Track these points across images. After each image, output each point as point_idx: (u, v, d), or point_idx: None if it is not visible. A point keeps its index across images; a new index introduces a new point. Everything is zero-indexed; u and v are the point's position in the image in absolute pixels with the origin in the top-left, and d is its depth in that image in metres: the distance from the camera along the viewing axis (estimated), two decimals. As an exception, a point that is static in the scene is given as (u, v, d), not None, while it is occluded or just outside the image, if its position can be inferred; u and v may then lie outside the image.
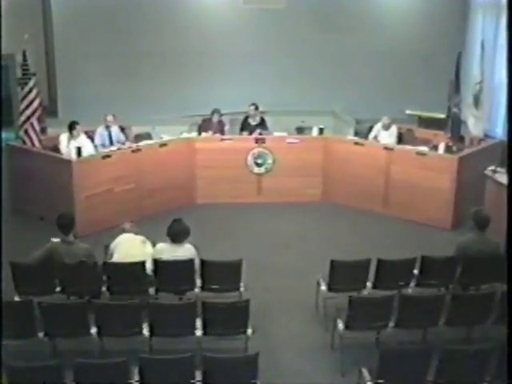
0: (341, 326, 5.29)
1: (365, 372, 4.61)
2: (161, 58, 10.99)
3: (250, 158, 9.26)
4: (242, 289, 5.89)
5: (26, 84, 8.43)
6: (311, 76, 11.38)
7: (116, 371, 4.36)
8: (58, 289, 5.73)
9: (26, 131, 8.41)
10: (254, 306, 5.24)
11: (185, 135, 9.39)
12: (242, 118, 9.87)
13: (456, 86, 9.17)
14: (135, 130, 9.63)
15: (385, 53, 11.40)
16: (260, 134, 9.47)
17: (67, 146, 8.38)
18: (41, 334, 5.14)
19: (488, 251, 5.84)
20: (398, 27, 11.51)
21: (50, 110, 10.76)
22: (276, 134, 9.58)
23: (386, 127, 9.32)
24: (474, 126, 9.13)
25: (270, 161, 9.28)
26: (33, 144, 8.45)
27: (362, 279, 5.94)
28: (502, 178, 7.54)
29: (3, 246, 6.03)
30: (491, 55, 9.86)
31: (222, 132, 9.59)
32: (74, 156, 8.03)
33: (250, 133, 9.56)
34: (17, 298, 5.59)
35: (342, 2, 11.23)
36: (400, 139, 9.38)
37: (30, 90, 8.41)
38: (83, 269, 5.71)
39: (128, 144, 8.98)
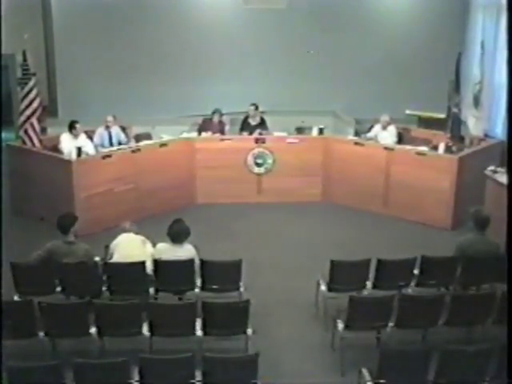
0: (341, 326, 5.29)
1: (365, 372, 4.61)
2: (161, 58, 10.98)
3: (250, 158, 9.26)
4: (241, 289, 5.89)
5: (26, 84, 8.42)
6: (311, 76, 11.37)
7: (116, 371, 4.36)
8: (58, 289, 5.73)
9: (25, 131, 8.40)
10: (254, 306, 5.24)
11: (185, 135, 9.39)
12: (242, 118, 9.87)
13: (456, 86, 9.16)
14: (135, 129, 9.64)
15: (385, 53, 11.40)
16: (260, 133, 9.48)
17: (68, 145, 8.37)
18: (41, 334, 5.14)
19: (488, 251, 5.84)
20: (397, 27, 11.51)
21: (50, 109, 10.76)
22: (276, 133, 9.59)
23: (384, 126, 9.31)
24: (474, 126, 9.13)
25: (270, 161, 9.28)
26: (33, 144, 8.44)
27: (362, 279, 5.94)
28: (502, 178, 7.54)
29: (3, 246, 6.03)
30: (491, 55, 9.85)
31: (222, 132, 9.59)
32: (74, 156, 8.03)
33: (250, 133, 9.57)
34: (17, 298, 5.60)
35: (342, 2, 11.21)
36: (400, 139, 9.38)
37: (30, 90, 8.40)
38: (83, 269, 5.72)
39: (130, 144, 8.98)
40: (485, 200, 7.84)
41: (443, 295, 5.53)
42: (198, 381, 4.41)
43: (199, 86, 10.90)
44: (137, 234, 6.15)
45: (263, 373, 4.57)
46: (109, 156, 8.34)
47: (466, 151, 8.60)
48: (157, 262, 5.79)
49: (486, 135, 9.38)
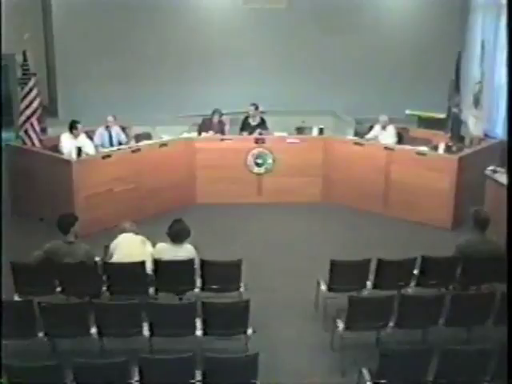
0: (341, 326, 5.29)
1: (365, 372, 4.61)
2: (161, 58, 10.99)
3: (250, 158, 9.26)
4: (242, 289, 5.89)
5: (25, 84, 8.43)
6: (311, 76, 11.38)
7: (116, 371, 4.36)
8: (58, 289, 5.73)
9: (26, 131, 8.41)
10: (254, 306, 5.23)
11: (185, 135, 9.39)
12: (242, 118, 9.86)
13: (456, 86, 9.18)
14: (135, 129, 9.63)
15: (385, 53, 11.41)
16: (260, 134, 9.48)
17: (68, 145, 8.37)
18: (41, 334, 5.14)
19: (488, 251, 5.84)
20: (397, 27, 11.52)
21: (50, 109, 10.76)
22: (276, 133, 9.59)
23: (383, 126, 9.31)
24: (474, 126, 9.12)
25: (270, 161, 9.28)
26: (33, 144, 8.44)
27: (362, 279, 5.94)
28: (502, 178, 7.54)
29: (3, 246, 6.03)
30: (491, 55, 9.86)
31: (222, 132, 9.59)
32: (74, 156, 8.03)
33: (250, 133, 9.56)
34: (17, 298, 5.60)
35: (342, 2, 11.22)
36: (400, 139, 9.38)
37: (30, 90, 8.41)
38: (83, 269, 5.72)
39: (130, 144, 8.98)
40: (485, 200, 7.84)
41: (443, 295, 5.52)
42: (198, 381, 4.41)
43: (199, 86, 10.92)
44: (137, 234, 6.15)
45: (263, 373, 4.57)
46: (109, 156, 8.34)
47: (466, 151, 8.60)
48: (157, 262, 5.78)
49: (486, 135, 9.37)
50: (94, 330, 5.14)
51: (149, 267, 5.79)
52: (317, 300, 6.18)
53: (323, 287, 5.96)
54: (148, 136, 9.54)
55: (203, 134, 9.47)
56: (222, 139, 9.36)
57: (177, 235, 5.85)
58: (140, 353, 4.56)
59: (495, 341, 4.62)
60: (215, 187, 9.13)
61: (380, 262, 5.88)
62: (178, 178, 8.98)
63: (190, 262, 5.81)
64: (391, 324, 5.33)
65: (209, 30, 11.15)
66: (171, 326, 5.16)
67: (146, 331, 5.17)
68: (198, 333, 5.15)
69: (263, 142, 9.29)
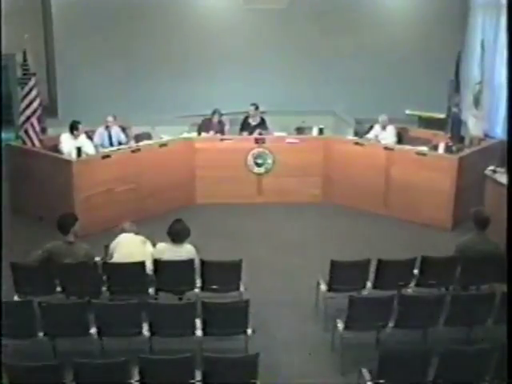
0: (341, 326, 5.29)
1: (365, 372, 4.61)
2: (161, 58, 10.98)
3: (250, 158, 9.26)
4: (242, 289, 5.89)
5: (25, 84, 8.42)
6: (311, 76, 11.37)
7: (116, 371, 4.36)
8: (58, 289, 5.73)
9: (26, 131, 8.40)
10: (254, 306, 5.24)
11: (185, 135, 9.39)
12: (242, 118, 9.87)
13: (456, 86, 9.17)
14: (135, 130, 9.63)
15: (385, 53, 11.40)
16: (260, 134, 9.48)
17: (68, 145, 8.36)
18: (41, 334, 5.14)
19: (488, 251, 5.84)
20: (397, 27, 11.51)
21: (50, 109, 10.75)
22: (276, 133, 9.59)
23: (383, 126, 9.31)
24: (474, 126, 9.12)
25: (269, 161, 9.28)
26: (33, 144, 8.44)
27: (362, 279, 5.94)
28: (502, 178, 7.55)
29: (3, 246, 6.03)
30: (491, 55, 9.85)
31: (222, 132, 9.59)
32: (74, 156, 8.03)
33: (250, 133, 9.56)
34: (17, 298, 5.60)
35: (343, 3, 11.22)
36: (400, 139, 9.38)
37: (30, 90, 8.40)
38: (83, 269, 5.72)
39: (130, 144, 8.98)
40: (485, 200, 7.85)
41: (443, 295, 5.53)
42: (198, 381, 4.42)
43: (199, 86, 10.91)
44: (137, 234, 6.15)
45: (263, 373, 4.57)
46: (109, 156, 8.34)
47: (466, 151, 8.60)
48: (157, 262, 5.79)
49: (486, 135, 9.37)
50: (93, 330, 5.15)
51: (149, 267, 5.80)
52: (317, 300, 6.18)
53: (323, 287, 5.96)
54: (148, 136, 9.53)
55: (203, 134, 9.48)
56: (222, 139, 9.36)
57: (177, 235, 5.85)
58: (140, 353, 4.56)
59: (495, 341, 4.62)
60: (215, 187, 9.13)
61: (380, 262, 5.88)
62: (177, 178, 8.98)
63: (190, 262, 5.81)
64: (391, 324, 5.33)
65: (209, 29, 11.14)
66: (171, 326, 5.16)
67: (145, 331, 5.17)
68: (198, 333, 5.15)
69: (263, 142, 9.29)
